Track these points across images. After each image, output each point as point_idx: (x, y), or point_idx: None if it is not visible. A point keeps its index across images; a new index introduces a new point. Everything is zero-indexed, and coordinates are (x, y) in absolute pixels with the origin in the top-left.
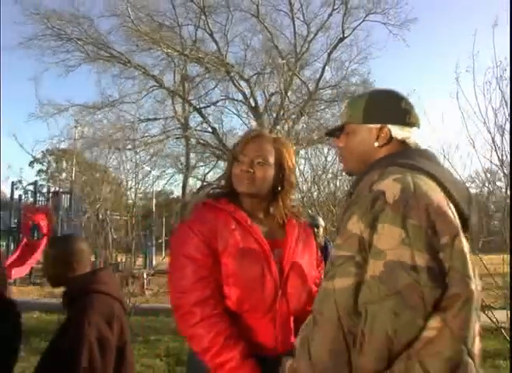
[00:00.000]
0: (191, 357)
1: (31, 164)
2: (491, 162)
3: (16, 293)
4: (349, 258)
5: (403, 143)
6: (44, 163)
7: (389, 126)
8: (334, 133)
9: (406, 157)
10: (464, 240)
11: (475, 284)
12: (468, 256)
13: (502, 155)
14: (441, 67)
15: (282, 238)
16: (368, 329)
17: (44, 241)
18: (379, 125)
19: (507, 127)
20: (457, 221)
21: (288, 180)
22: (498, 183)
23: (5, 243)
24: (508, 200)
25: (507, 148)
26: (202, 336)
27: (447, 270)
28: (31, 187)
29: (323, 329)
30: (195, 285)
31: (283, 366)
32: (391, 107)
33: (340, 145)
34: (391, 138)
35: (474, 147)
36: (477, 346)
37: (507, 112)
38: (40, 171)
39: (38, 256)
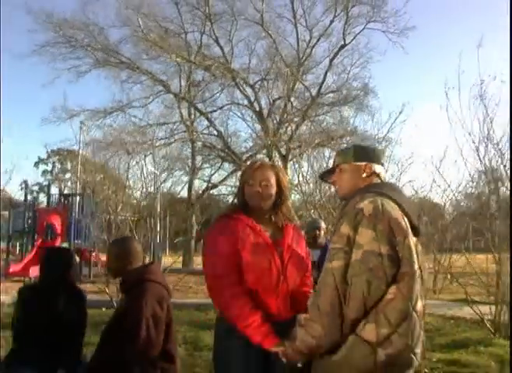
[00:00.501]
0: (220, 324)
1: (36, 164)
2: (477, 169)
3: None
4: (341, 249)
5: (378, 175)
6: (49, 164)
7: (372, 164)
8: (326, 174)
9: (378, 188)
10: (411, 240)
11: (418, 267)
12: (413, 249)
13: (485, 163)
14: (440, 67)
15: (281, 238)
16: (352, 292)
17: (58, 241)
18: (365, 163)
19: (490, 137)
20: (407, 227)
21: (284, 195)
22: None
23: (9, 243)
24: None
25: (491, 156)
26: (233, 307)
27: (401, 257)
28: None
29: (326, 292)
30: (225, 272)
31: (299, 319)
32: (371, 152)
33: (335, 180)
34: (373, 172)
35: (461, 154)
36: (419, 305)
37: (490, 125)
38: (44, 171)
39: None
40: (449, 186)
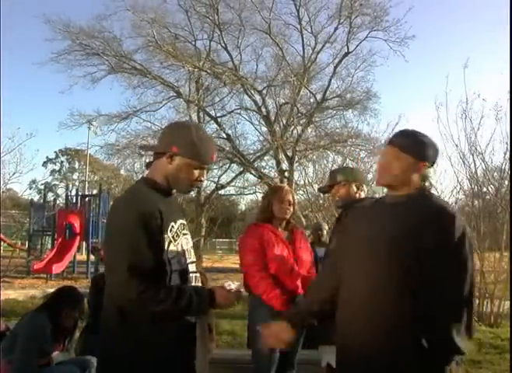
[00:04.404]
0: (253, 298)
1: (44, 164)
2: (467, 177)
3: (52, 286)
4: None
5: (363, 191)
6: (57, 163)
7: (363, 184)
8: (326, 187)
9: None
10: None
11: None
12: None
13: (472, 172)
14: (439, 68)
15: (292, 239)
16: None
17: (77, 240)
18: (359, 183)
19: (477, 149)
20: None
21: (294, 209)
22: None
23: (29, 242)
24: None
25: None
26: (260, 286)
27: None
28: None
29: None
30: (255, 262)
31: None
32: (362, 175)
33: (334, 192)
34: (363, 189)
35: (451, 164)
36: None
37: (474, 137)
38: (53, 171)
39: (73, 253)
40: (442, 191)
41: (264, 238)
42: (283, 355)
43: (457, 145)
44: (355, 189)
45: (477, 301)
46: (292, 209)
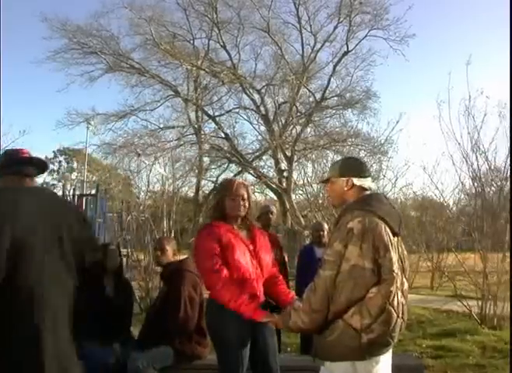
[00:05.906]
0: (212, 304)
1: None
2: (469, 176)
3: None
4: (334, 261)
5: (360, 187)
6: (56, 163)
7: (352, 178)
8: (324, 182)
9: (364, 203)
10: (392, 252)
11: (397, 273)
12: (394, 259)
13: (474, 171)
14: (440, 66)
15: (252, 237)
16: (339, 294)
17: None
18: (347, 178)
19: (481, 147)
20: (389, 241)
21: (250, 206)
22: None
23: None
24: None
25: (480, 164)
26: (225, 294)
27: (382, 268)
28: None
29: (318, 292)
30: (217, 267)
31: (295, 304)
32: (353, 167)
33: (327, 189)
34: (353, 185)
35: (453, 163)
36: (396, 300)
37: (477, 135)
38: (51, 171)
39: None
40: (443, 190)
41: (223, 241)
42: (262, 365)
43: (459, 143)
44: (346, 185)
45: (479, 303)
46: (247, 204)
